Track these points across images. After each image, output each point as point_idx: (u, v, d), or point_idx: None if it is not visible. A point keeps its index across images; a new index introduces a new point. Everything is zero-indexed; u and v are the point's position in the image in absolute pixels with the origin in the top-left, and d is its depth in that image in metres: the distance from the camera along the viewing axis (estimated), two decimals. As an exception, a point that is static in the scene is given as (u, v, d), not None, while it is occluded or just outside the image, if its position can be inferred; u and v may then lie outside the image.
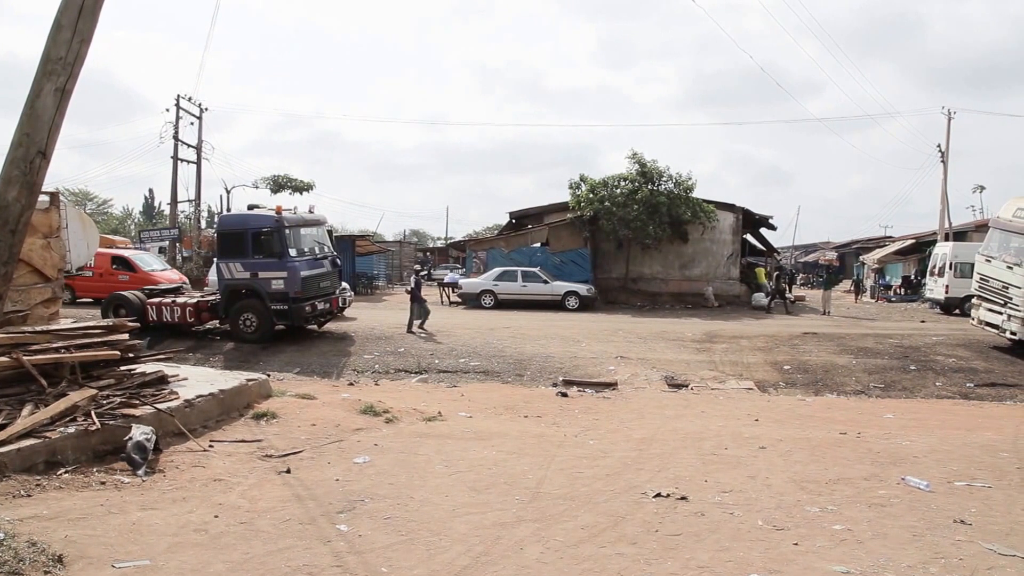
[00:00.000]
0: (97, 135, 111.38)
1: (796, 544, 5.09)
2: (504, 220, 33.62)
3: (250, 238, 15.52)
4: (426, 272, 45.09)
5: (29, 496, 5.59)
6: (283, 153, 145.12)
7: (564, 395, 11.75)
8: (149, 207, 75.29)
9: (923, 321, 22.50)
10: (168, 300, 16.45)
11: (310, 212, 17.13)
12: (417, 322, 17.81)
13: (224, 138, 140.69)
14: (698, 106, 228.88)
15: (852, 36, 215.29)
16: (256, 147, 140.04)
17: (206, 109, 35.73)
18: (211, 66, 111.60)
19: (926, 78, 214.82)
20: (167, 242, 35.43)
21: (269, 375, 11.41)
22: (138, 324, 12.28)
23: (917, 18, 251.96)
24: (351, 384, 12.54)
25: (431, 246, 66.49)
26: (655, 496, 6.15)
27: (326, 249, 17.06)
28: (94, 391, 7.42)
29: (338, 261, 17.64)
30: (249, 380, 9.65)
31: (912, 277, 33.85)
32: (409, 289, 19.18)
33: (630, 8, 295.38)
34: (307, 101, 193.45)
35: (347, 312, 20.08)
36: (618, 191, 27.23)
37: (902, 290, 33.07)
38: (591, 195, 27.35)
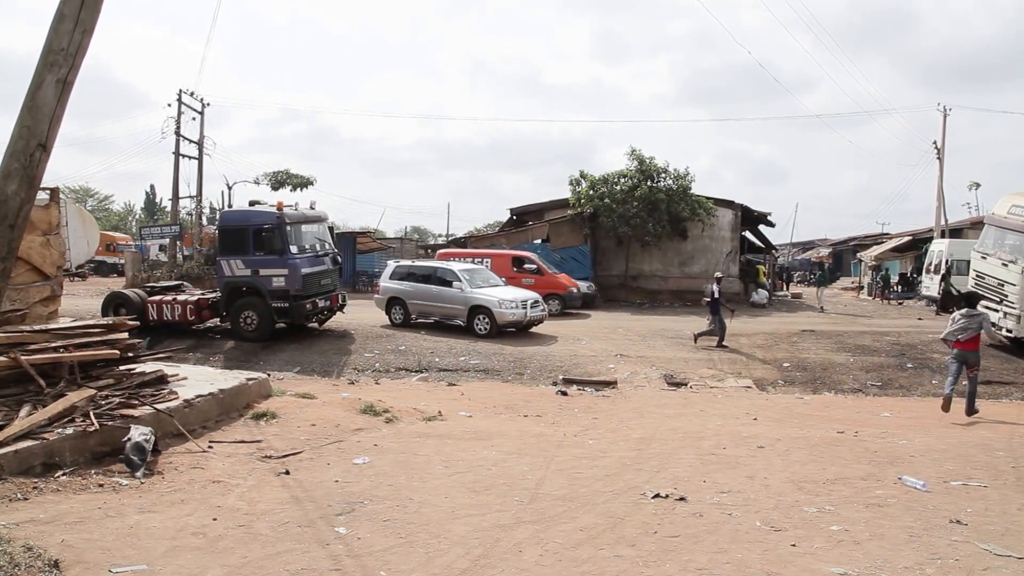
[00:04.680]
0: (96, 131, 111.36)
1: (794, 545, 5.11)
2: (504, 216, 33.64)
3: (251, 234, 15.49)
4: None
5: (26, 499, 5.59)
6: (280, 149, 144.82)
7: (564, 394, 11.77)
8: (151, 203, 75.22)
9: (920, 319, 22.50)
10: (168, 298, 16.43)
11: (311, 208, 17.09)
12: (705, 334, 16.42)
13: (220, 134, 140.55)
14: (692, 102, 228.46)
15: (844, 31, 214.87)
16: (252, 143, 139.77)
17: (208, 104, 35.63)
18: (207, 61, 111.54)
19: (919, 74, 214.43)
20: (168, 239, 35.38)
21: (269, 374, 11.43)
22: (138, 323, 12.30)
23: (909, 14, 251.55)
24: (351, 383, 12.55)
25: (432, 243, 66.42)
26: (654, 497, 6.17)
27: (327, 246, 17.03)
28: (93, 391, 7.42)
29: (339, 258, 17.63)
30: (249, 379, 9.65)
31: (908, 274, 33.85)
32: (708, 300, 16.66)
33: (621, 1, 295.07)
34: (303, 97, 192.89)
35: (538, 329, 17.82)
36: (618, 188, 27.22)
37: (899, 287, 33.08)
38: (591, 192, 27.35)
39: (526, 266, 22.64)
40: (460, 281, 17.26)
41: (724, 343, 16.12)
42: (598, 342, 16.56)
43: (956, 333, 10.10)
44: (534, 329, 17.76)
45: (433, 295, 17.60)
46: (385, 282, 18.64)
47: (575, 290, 22.77)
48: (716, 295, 16.33)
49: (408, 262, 20.15)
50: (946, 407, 9.98)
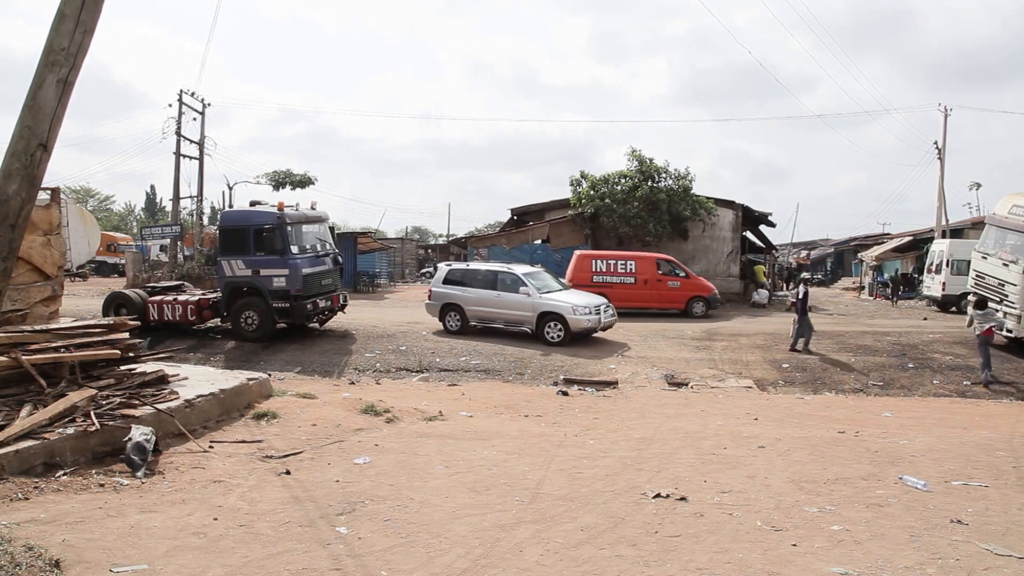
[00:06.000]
0: (96, 131, 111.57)
1: (795, 545, 5.11)
2: (504, 216, 33.66)
3: (252, 235, 15.49)
4: (431, 270, 45.07)
5: (27, 499, 5.60)
6: (280, 149, 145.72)
7: (564, 394, 11.77)
8: (152, 203, 75.34)
9: (925, 319, 22.45)
10: (169, 298, 16.44)
11: (312, 208, 17.09)
12: (802, 340, 15.60)
13: (221, 133, 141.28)
14: (692, 102, 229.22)
15: (844, 31, 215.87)
16: (252, 143, 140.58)
17: (209, 104, 35.63)
18: (208, 61, 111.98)
19: (919, 74, 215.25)
20: (169, 239, 35.39)
21: (270, 374, 11.44)
22: (139, 323, 12.30)
23: (908, 13, 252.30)
24: (352, 383, 12.55)
25: (432, 243, 66.46)
26: (655, 497, 6.17)
27: (328, 246, 17.02)
28: (94, 391, 7.43)
29: (340, 258, 17.62)
30: (250, 379, 9.66)
31: (908, 274, 33.78)
32: (794, 303, 15.92)
33: (619, 1, 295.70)
34: (301, 97, 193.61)
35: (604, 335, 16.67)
36: (618, 188, 27.24)
37: (901, 287, 33.03)
38: (592, 192, 27.37)
39: (671, 269, 22.22)
40: (526, 286, 16.29)
41: (809, 347, 15.50)
42: (598, 342, 16.54)
43: (981, 325, 13.41)
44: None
45: (496, 301, 16.65)
46: (438, 287, 17.53)
47: (716, 292, 22.69)
48: (803, 298, 15.76)
49: (462, 265, 18.69)
50: (986, 383, 13.30)
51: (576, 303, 16.24)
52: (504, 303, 16.58)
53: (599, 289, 20.94)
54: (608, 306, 17.02)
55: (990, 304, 15.75)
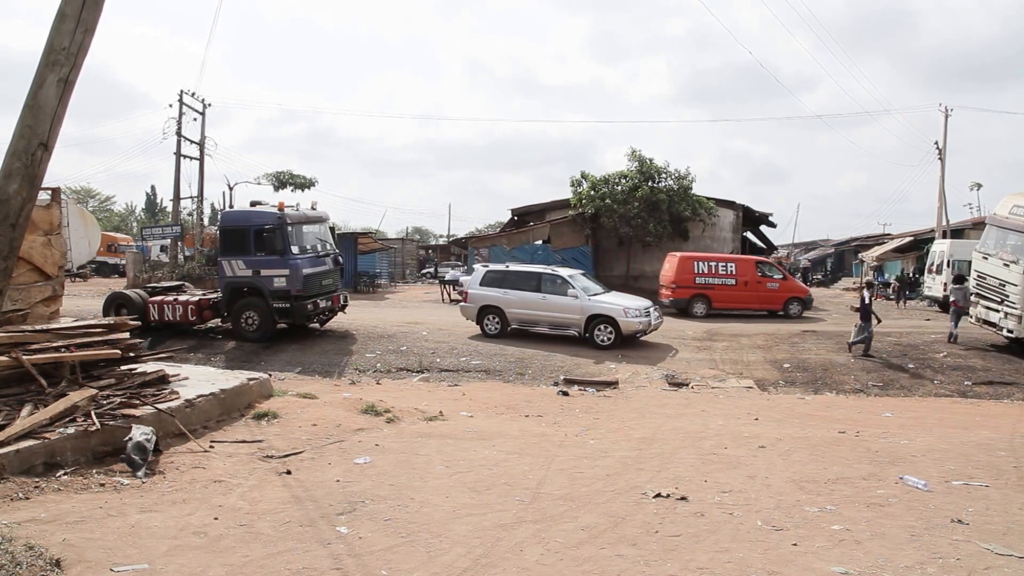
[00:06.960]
0: (96, 131, 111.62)
1: (795, 545, 5.11)
2: (504, 217, 33.67)
3: (252, 235, 15.49)
4: (432, 270, 45.05)
5: (27, 499, 5.60)
6: (280, 150, 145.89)
7: (565, 394, 11.77)
8: (152, 204, 75.34)
9: (928, 320, 22.41)
10: (170, 299, 16.45)
11: (312, 209, 17.09)
12: (859, 345, 15.25)
13: (221, 134, 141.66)
14: (692, 102, 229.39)
15: (845, 31, 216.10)
16: (253, 143, 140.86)
17: (209, 105, 35.64)
18: (208, 61, 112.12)
19: (920, 74, 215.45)
20: (169, 239, 35.42)
21: (270, 374, 11.44)
22: (139, 323, 12.31)
23: (908, 13, 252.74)
24: (353, 383, 12.55)
25: (433, 243, 66.48)
26: (655, 496, 6.17)
27: (328, 246, 17.03)
28: (94, 391, 7.44)
29: (340, 259, 17.62)
30: (250, 379, 9.66)
31: (909, 275, 33.72)
32: (857, 307, 15.77)
33: (618, 1, 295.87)
34: (301, 97, 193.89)
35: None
36: (619, 188, 27.24)
37: (907, 290, 32.95)
38: (592, 192, 27.37)
39: (769, 271, 22.48)
40: (574, 288, 16.02)
41: (870, 352, 15.22)
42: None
43: (955, 297, 16.92)
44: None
45: (540, 303, 16.32)
46: (475, 289, 17.10)
47: (811, 294, 23.27)
48: (867, 301, 15.50)
49: (501, 266, 18.15)
50: (951, 340, 16.49)
51: (627, 305, 16.08)
52: (549, 305, 16.23)
53: (701, 290, 21.59)
54: (656, 308, 16.87)
55: (989, 304, 15.82)
